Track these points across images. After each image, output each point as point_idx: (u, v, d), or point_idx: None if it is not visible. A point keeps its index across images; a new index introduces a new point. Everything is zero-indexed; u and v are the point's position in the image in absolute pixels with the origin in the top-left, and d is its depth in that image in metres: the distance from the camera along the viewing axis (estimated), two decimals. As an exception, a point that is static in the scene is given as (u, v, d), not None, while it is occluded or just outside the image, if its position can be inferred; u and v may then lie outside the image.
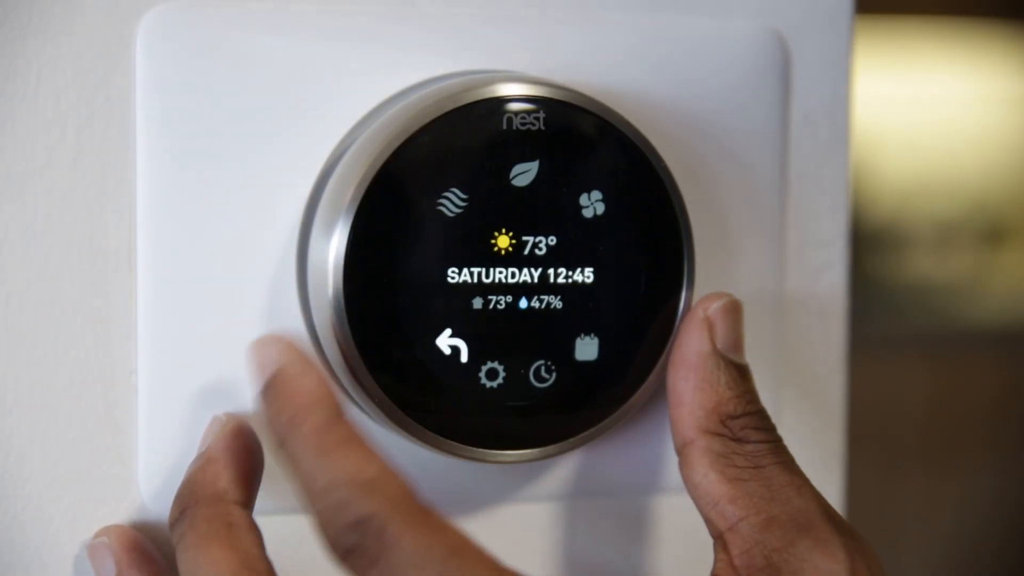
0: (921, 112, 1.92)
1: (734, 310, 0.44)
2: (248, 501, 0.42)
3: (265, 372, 0.41)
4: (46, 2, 0.42)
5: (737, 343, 0.44)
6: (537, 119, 0.43)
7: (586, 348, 0.44)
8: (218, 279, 0.44)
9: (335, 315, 0.41)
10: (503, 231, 0.43)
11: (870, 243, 1.89)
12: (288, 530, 0.46)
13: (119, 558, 0.43)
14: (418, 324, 0.42)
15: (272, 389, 0.40)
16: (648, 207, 0.44)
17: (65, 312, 0.43)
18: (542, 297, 0.43)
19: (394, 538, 0.37)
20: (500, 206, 0.43)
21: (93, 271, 0.44)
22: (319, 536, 0.38)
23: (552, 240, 0.43)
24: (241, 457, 0.43)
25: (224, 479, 0.42)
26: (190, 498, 0.42)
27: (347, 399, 0.44)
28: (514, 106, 0.42)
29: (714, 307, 0.44)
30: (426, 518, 0.37)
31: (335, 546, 0.37)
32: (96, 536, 0.44)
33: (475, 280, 0.43)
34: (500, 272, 0.43)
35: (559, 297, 0.43)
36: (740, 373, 0.44)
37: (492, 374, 0.43)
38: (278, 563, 0.45)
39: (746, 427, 0.43)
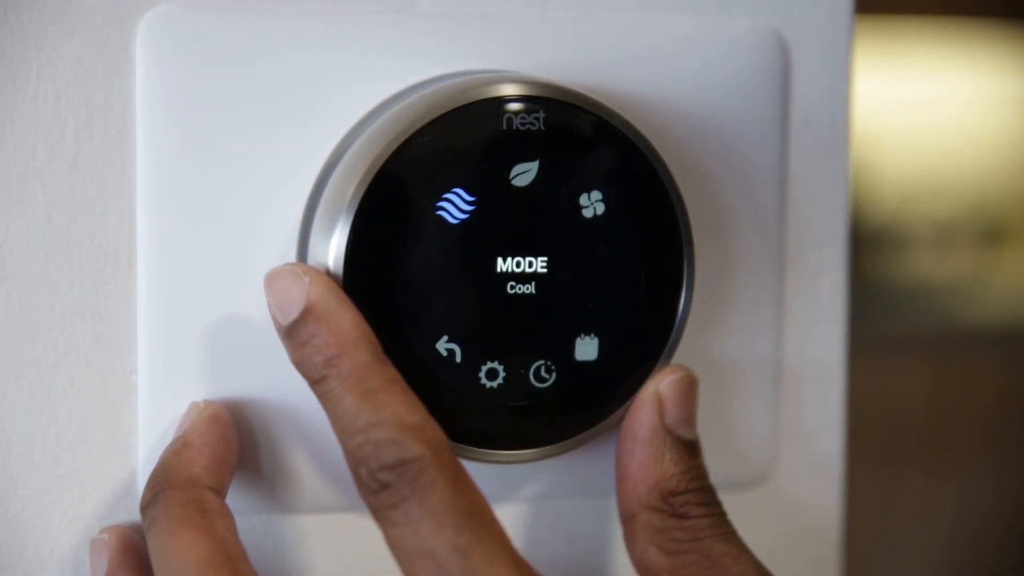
0: (921, 112, 1.92)
1: (688, 384, 0.44)
2: (222, 488, 0.42)
3: (292, 307, 0.40)
4: (46, 2, 0.42)
5: (688, 418, 0.44)
6: (537, 119, 0.43)
7: (586, 348, 0.44)
8: (218, 279, 0.44)
9: (335, 315, 0.41)
10: (503, 231, 0.43)
11: (870, 243, 1.89)
12: (291, 530, 0.46)
13: (112, 557, 0.43)
14: (418, 324, 0.42)
15: (305, 325, 0.40)
16: (648, 207, 0.44)
17: (65, 312, 0.43)
18: (542, 297, 0.43)
19: (427, 485, 0.38)
20: (500, 206, 0.43)
21: (93, 271, 0.44)
22: (351, 470, 0.39)
23: (552, 240, 0.43)
24: (217, 444, 0.42)
25: (198, 464, 0.42)
26: (164, 482, 0.41)
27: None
28: (514, 106, 0.42)
29: (667, 382, 0.44)
30: (458, 473, 0.38)
31: (368, 482, 0.38)
32: (100, 532, 0.44)
33: (475, 280, 0.43)
34: (500, 272, 0.43)
35: (559, 297, 0.43)
36: (688, 449, 0.44)
37: (492, 374, 0.43)
38: (280, 563, 0.45)
39: (687, 503, 0.43)
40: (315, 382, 0.40)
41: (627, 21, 0.48)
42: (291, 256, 0.44)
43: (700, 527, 0.43)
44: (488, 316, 0.43)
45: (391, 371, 0.40)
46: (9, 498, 0.43)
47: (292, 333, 0.40)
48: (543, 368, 0.44)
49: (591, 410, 0.44)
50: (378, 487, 0.38)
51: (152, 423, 0.44)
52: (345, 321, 0.40)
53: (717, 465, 0.46)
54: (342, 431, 0.39)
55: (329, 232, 0.42)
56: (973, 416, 1.91)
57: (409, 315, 0.42)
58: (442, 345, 0.42)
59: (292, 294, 0.40)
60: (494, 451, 0.43)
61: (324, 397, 0.40)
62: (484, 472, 0.47)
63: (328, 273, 0.41)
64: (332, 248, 0.41)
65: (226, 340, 0.44)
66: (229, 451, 0.43)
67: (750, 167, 0.49)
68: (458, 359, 0.43)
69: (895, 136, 1.91)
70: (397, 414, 0.39)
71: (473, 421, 0.43)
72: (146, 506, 0.41)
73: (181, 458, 0.42)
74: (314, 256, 0.42)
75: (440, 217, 0.42)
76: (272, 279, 0.41)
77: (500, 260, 0.43)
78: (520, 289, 0.43)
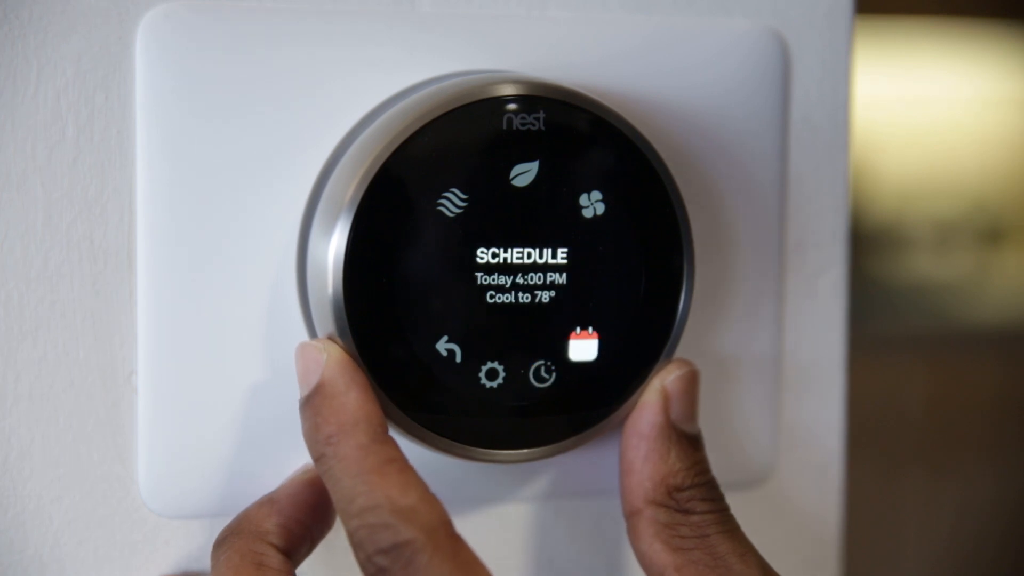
0: (921, 112, 1.92)
1: (690, 380, 0.45)
2: (291, 550, 0.42)
3: (308, 383, 0.41)
4: (46, 2, 0.42)
5: (691, 413, 0.45)
6: (537, 119, 0.43)
7: (586, 348, 0.44)
8: (218, 279, 0.44)
9: (335, 315, 0.41)
10: (503, 232, 0.43)
11: (870, 243, 1.89)
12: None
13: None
14: (418, 324, 0.42)
15: (313, 403, 0.41)
16: (648, 207, 0.44)
17: (65, 312, 0.43)
18: (542, 297, 0.43)
19: (422, 569, 0.37)
20: (500, 206, 0.43)
21: (93, 271, 0.44)
22: (353, 552, 0.38)
23: (552, 240, 0.43)
24: (301, 507, 0.43)
25: (273, 521, 0.42)
26: (236, 528, 0.42)
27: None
28: (514, 106, 0.42)
29: (671, 378, 0.45)
30: (456, 552, 0.38)
31: (365, 566, 0.38)
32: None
33: (475, 280, 0.43)
34: (500, 272, 0.43)
35: (559, 297, 0.43)
36: (692, 444, 0.44)
37: (492, 374, 0.43)
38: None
39: (692, 499, 0.44)
40: (316, 459, 0.40)
41: (627, 21, 0.48)
42: (291, 256, 0.44)
43: (705, 523, 0.43)
44: (488, 316, 0.43)
45: (389, 451, 0.40)
46: (9, 498, 0.43)
47: (304, 407, 0.41)
48: (543, 368, 0.44)
49: (591, 410, 0.44)
50: (375, 571, 0.38)
51: (152, 423, 0.44)
52: (349, 401, 0.40)
53: (718, 465, 0.46)
54: (341, 513, 0.39)
55: (329, 232, 0.42)
56: (973, 416, 1.91)
57: (409, 315, 0.42)
58: (442, 345, 0.42)
59: (311, 370, 0.41)
60: (494, 451, 0.43)
61: (325, 476, 0.40)
62: (484, 472, 0.47)
63: (329, 275, 0.41)
64: (332, 248, 0.41)
65: (226, 340, 0.44)
66: (314, 519, 0.43)
67: (750, 167, 0.49)
68: (458, 359, 0.43)
69: (895, 136, 1.91)
70: (390, 497, 0.38)
71: (473, 421, 0.43)
72: (215, 547, 0.42)
73: (260, 511, 0.43)
74: (314, 256, 0.42)
75: (440, 217, 0.42)
76: (299, 352, 0.42)
77: (500, 261, 0.43)
78: (520, 290, 0.43)
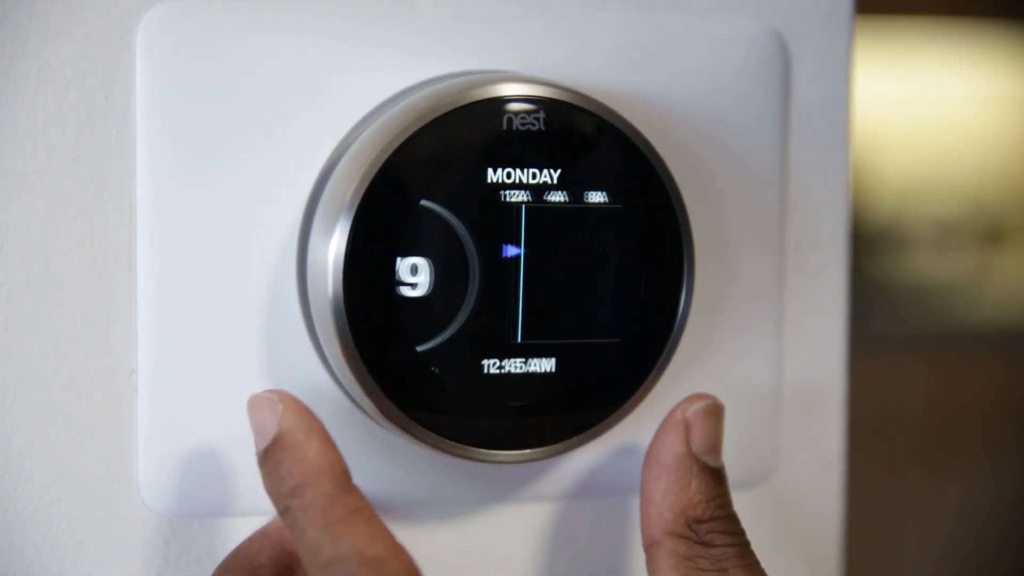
0: (921, 112, 1.92)
1: (714, 413, 0.45)
2: None
3: (265, 435, 0.40)
4: (46, 2, 0.42)
5: (714, 446, 0.45)
6: (537, 119, 0.43)
7: (586, 349, 0.44)
8: (218, 279, 0.44)
9: (335, 315, 0.41)
10: (503, 231, 0.43)
11: (870, 243, 1.89)
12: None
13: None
14: (418, 324, 0.42)
15: (273, 455, 0.40)
16: (648, 207, 0.44)
17: (65, 312, 0.43)
18: (542, 298, 0.43)
19: None
20: (499, 206, 0.43)
21: (93, 271, 0.44)
22: None
23: (552, 241, 0.43)
24: (291, 543, 0.42)
25: (266, 555, 0.42)
26: (230, 564, 0.42)
27: (347, 399, 0.44)
28: (514, 106, 0.42)
29: (693, 409, 0.45)
30: None
31: None
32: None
33: (475, 280, 0.43)
34: (500, 272, 0.43)
35: (559, 298, 0.43)
36: (714, 477, 0.44)
37: (492, 374, 0.43)
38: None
39: (712, 531, 0.44)
40: (281, 512, 0.40)
41: (627, 21, 0.48)
42: (291, 256, 0.44)
43: (724, 556, 0.43)
44: (489, 316, 0.43)
45: (354, 501, 0.39)
46: (9, 498, 0.43)
47: (263, 460, 0.40)
48: (543, 368, 0.44)
49: (591, 410, 0.44)
50: None
51: (152, 423, 0.44)
52: (311, 451, 0.39)
53: (717, 465, 0.46)
54: (308, 565, 0.38)
55: (329, 232, 0.42)
56: (973, 416, 1.91)
57: (409, 315, 0.42)
58: (442, 345, 0.42)
59: (266, 422, 0.40)
60: (494, 451, 0.43)
61: (290, 528, 0.39)
62: (484, 472, 0.47)
63: (329, 275, 0.41)
64: (332, 248, 0.41)
65: (226, 340, 0.44)
66: None
67: (750, 167, 0.49)
68: (458, 359, 0.43)
69: (895, 136, 1.91)
70: (357, 548, 0.38)
71: (473, 421, 0.43)
72: None
73: (253, 545, 0.42)
74: (314, 256, 0.42)
75: (440, 217, 0.42)
76: (251, 405, 0.41)
77: (500, 260, 0.43)
78: (520, 290, 0.43)
